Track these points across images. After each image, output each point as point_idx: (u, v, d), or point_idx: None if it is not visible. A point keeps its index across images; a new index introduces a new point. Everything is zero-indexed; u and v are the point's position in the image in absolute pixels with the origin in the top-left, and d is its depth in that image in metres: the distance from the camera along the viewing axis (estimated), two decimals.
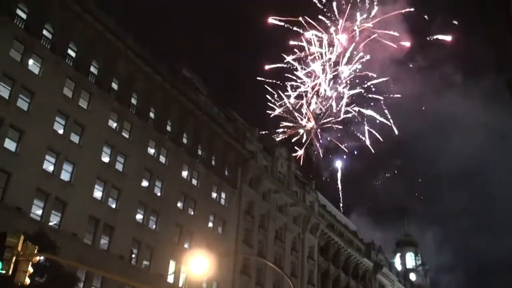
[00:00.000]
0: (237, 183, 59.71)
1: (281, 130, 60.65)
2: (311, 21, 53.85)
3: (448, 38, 54.62)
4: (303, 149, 64.16)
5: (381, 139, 59.64)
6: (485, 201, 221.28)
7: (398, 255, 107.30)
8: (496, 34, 34.51)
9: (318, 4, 53.78)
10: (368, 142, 59.44)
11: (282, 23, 54.10)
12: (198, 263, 35.52)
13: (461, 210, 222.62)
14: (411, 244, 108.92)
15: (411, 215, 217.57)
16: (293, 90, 57.29)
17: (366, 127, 58.36)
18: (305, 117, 59.95)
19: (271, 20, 53.93)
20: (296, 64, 55.78)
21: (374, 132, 58.98)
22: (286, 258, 65.52)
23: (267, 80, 57.02)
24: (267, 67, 55.84)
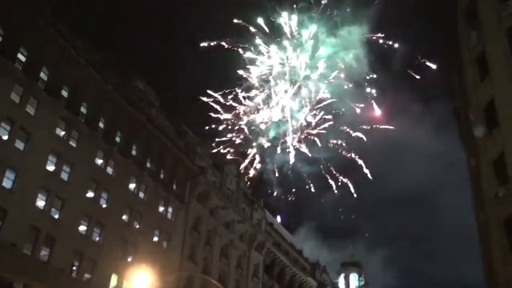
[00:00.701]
0: (185, 198, 59.27)
1: (232, 150, 60.43)
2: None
3: (417, 76, 55.26)
4: (253, 168, 64.19)
5: (332, 170, 60.19)
6: (432, 226, 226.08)
7: (342, 275, 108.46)
8: (447, 64, 35.76)
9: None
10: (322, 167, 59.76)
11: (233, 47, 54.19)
12: (140, 278, 35.05)
13: (408, 233, 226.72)
14: (355, 265, 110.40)
15: (359, 235, 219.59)
16: (248, 110, 57.31)
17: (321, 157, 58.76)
18: (257, 136, 60.09)
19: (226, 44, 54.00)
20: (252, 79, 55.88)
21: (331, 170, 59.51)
22: (231, 275, 65.18)
23: (218, 98, 56.91)
24: (210, 93, 55.85)
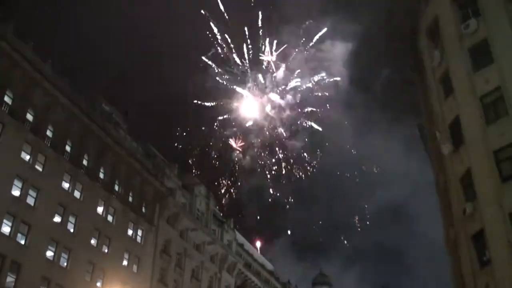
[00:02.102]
0: (154, 220, 58.61)
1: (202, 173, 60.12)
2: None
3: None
4: (227, 190, 64.09)
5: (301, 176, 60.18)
6: (408, 242, 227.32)
7: None
8: (409, 80, 36.39)
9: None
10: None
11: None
12: None
13: (384, 249, 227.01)
14: (326, 283, 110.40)
15: (333, 251, 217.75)
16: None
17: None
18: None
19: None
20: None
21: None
22: None
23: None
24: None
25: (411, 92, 36.06)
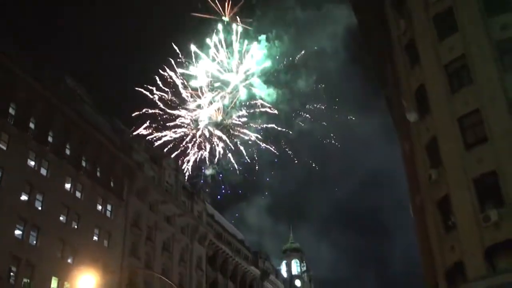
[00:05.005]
0: (124, 194, 58.30)
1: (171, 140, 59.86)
2: None
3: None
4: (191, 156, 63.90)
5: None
6: (387, 211, 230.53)
7: (284, 262, 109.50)
8: (379, 52, 36.58)
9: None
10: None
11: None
12: (83, 279, 34.33)
13: (358, 218, 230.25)
14: (296, 251, 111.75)
15: (311, 218, 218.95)
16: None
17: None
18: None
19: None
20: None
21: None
22: (174, 269, 64.79)
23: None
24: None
25: (381, 63, 36.30)
